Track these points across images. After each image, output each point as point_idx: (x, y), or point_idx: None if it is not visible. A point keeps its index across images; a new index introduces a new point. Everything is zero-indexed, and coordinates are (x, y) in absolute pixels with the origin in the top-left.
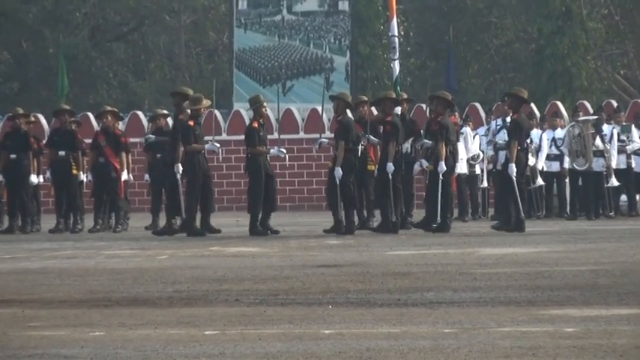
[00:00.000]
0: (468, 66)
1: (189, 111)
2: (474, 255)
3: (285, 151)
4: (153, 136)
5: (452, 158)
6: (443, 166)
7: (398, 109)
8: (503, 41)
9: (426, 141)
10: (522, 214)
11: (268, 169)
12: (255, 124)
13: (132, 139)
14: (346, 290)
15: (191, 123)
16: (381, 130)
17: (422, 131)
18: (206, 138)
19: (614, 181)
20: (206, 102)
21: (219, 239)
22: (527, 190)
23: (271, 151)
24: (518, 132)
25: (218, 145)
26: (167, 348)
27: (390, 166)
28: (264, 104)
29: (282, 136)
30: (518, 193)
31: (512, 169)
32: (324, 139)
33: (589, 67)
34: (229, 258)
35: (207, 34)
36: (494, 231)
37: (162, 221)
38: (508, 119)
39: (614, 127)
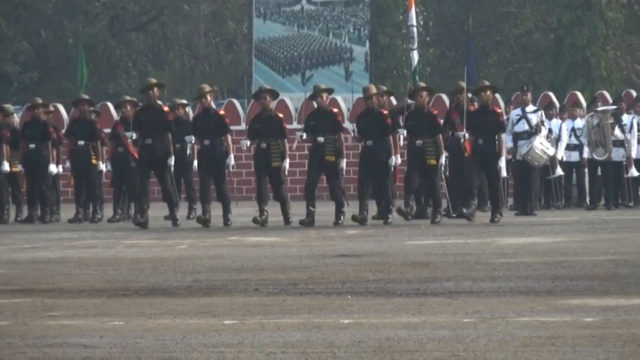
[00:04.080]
0: (488, 56)
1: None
2: (493, 245)
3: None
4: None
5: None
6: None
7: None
8: (522, 31)
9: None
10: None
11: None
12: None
13: None
14: (365, 280)
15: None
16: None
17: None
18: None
19: (634, 171)
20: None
21: (238, 229)
22: (547, 180)
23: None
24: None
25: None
26: (186, 337)
27: (392, 160)
28: (266, 96)
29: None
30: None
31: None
32: (303, 134)
33: (608, 57)
34: (248, 248)
35: (226, 23)
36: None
37: (180, 212)
38: (528, 109)
39: (634, 117)
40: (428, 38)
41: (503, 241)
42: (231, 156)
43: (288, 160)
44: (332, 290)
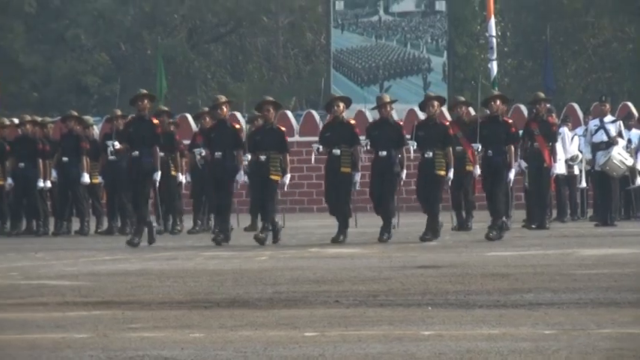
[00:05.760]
0: (566, 66)
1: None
2: (573, 256)
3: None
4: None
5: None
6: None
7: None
8: (600, 41)
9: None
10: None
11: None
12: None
13: None
14: (445, 291)
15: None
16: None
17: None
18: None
19: None
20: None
21: (317, 240)
22: (627, 191)
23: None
24: None
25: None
26: (267, 349)
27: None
28: (269, 108)
29: None
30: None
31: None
32: (319, 146)
33: None
34: (328, 259)
35: (304, 34)
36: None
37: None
38: (606, 119)
39: None
40: (506, 48)
41: (584, 252)
42: (242, 172)
43: (289, 176)
44: (412, 302)
